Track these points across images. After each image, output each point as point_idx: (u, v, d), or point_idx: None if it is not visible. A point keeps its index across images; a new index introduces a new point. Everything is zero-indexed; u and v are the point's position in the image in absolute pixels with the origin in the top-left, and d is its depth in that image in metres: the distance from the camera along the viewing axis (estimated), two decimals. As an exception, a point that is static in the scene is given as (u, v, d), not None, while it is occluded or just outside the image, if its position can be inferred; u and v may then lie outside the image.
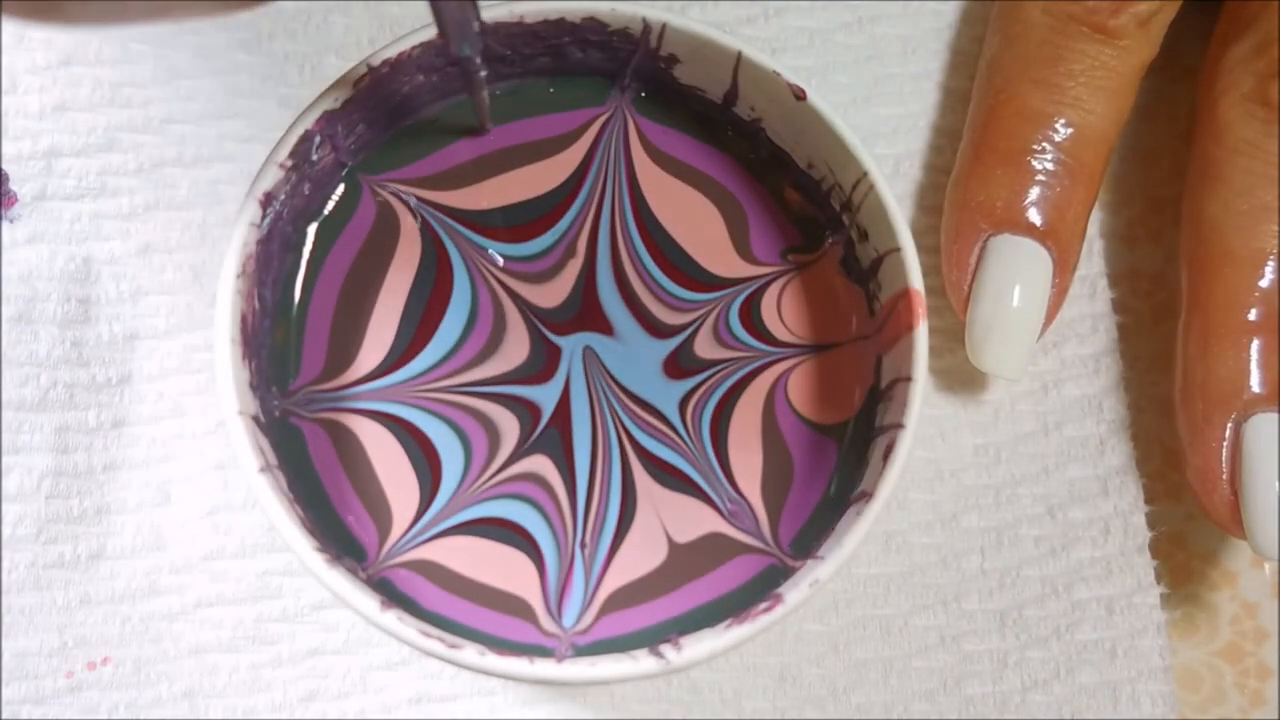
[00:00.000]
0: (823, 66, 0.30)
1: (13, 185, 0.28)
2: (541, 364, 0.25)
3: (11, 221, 0.28)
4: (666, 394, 0.25)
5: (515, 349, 0.25)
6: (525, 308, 0.25)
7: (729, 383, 0.25)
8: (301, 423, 0.24)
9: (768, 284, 0.26)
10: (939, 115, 0.30)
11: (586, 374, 0.25)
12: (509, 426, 0.25)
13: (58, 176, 0.28)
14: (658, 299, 0.26)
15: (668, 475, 0.25)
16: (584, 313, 0.25)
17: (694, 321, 0.25)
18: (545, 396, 0.25)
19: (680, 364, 0.25)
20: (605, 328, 0.25)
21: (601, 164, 0.26)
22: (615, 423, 0.25)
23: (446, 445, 0.25)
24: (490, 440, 0.25)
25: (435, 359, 0.25)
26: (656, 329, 0.25)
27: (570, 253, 0.26)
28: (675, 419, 0.25)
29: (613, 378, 0.25)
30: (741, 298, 0.26)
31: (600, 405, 0.25)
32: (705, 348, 0.25)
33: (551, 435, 0.25)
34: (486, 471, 0.24)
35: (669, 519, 0.24)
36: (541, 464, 0.25)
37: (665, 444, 0.25)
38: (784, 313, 0.26)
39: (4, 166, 0.28)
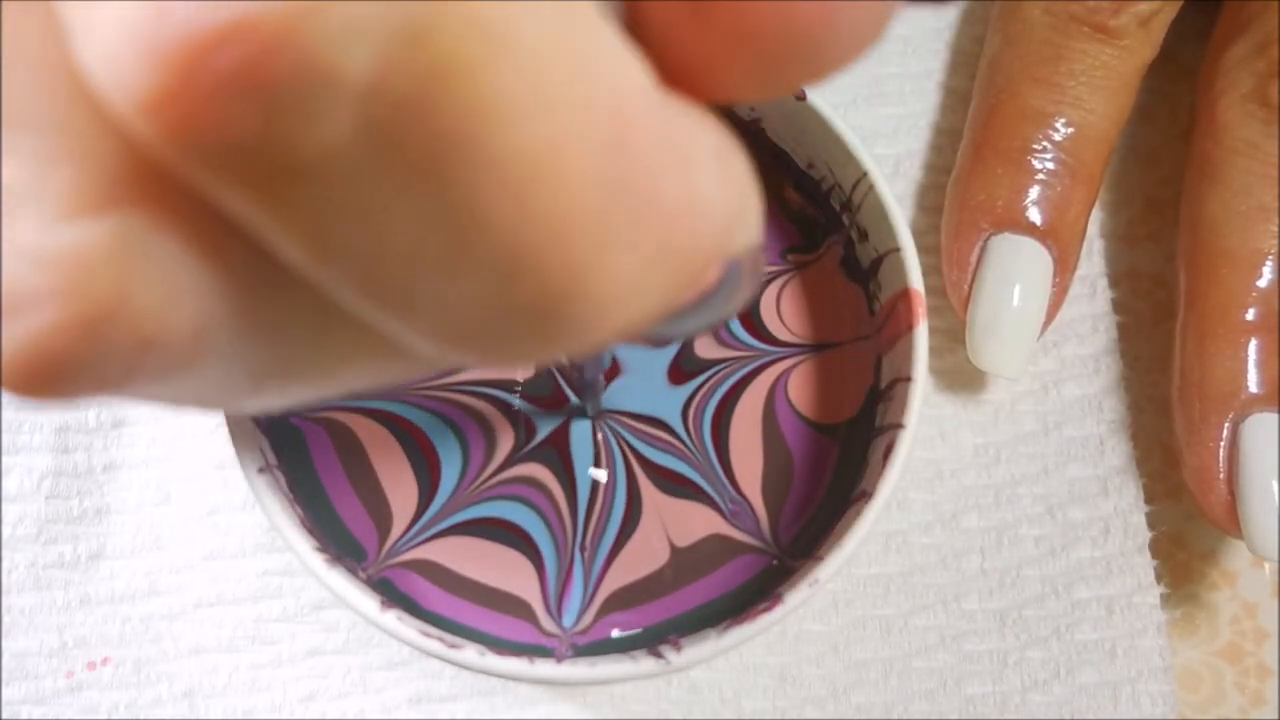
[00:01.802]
0: (823, 66, 0.30)
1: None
2: (548, 392, 0.25)
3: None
4: (670, 402, 0.25)
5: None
6: None
7: (729, 383, 0.25)
8: (301, 422, 0.24)
9: (767, 283, 0.26)
10: (939, 115, 0.30)
11: (593, 418, 0.25)
12: (504, 430, 0.25)
13: None
14: None
15: (671, 483, 0.25)
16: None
17: None
18: (543, 420, 0.25)
19: (683, 368, 0.25)
20: (613, 371, 0.25)
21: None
22: (619, 442, 0.25)
23: (444, 444, 0.25)
24: (486, 441, 0.25)
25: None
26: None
27: None
28: (678, 425, 0.25)
29: (619, 409, 0.25)
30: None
31: (605, 430, 0.25)
32: (706, 348, 0.25)
33: (548, 451, 0.25)
34: (484, 472, 0.24)
35: (671, 524, 0.24)
36: (540, 471, 0.25)
37: (669, 452, 0.25)
38: (784, 312, 0.26)
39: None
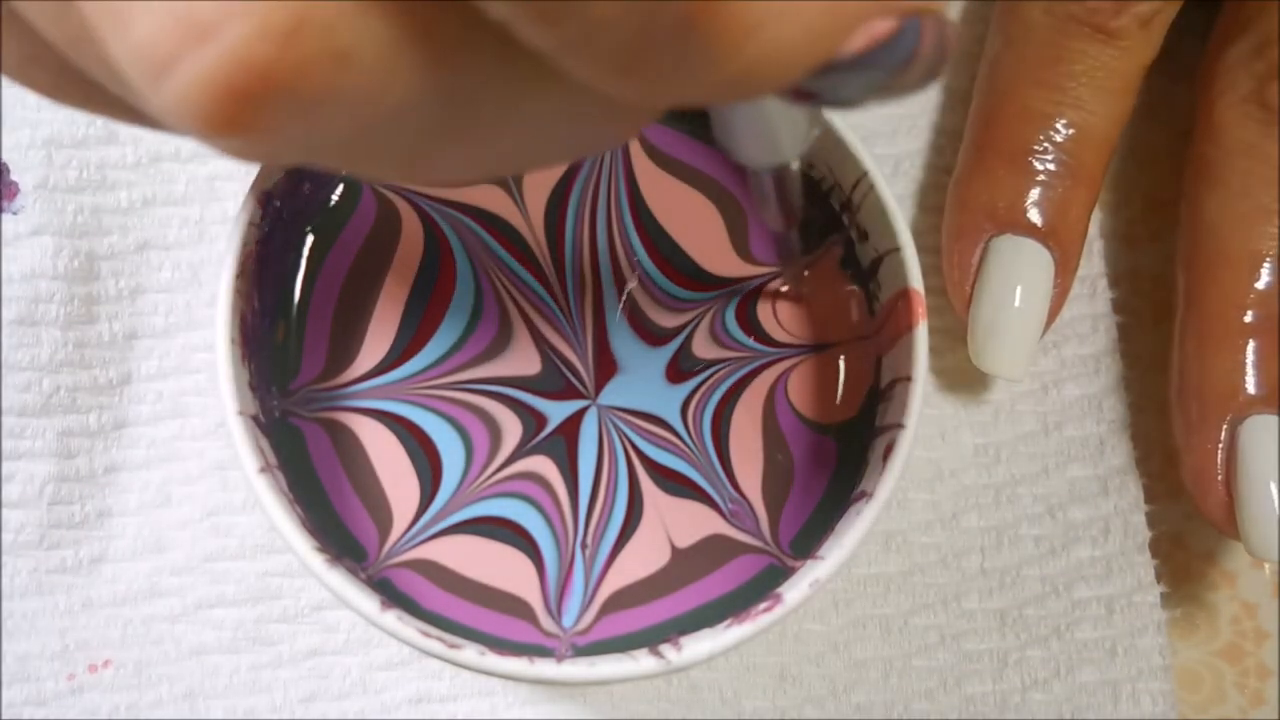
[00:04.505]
0: (823, 66, 0.30)
1: (14, 176, 0.27)
2: (560, 386, 0.25)
3: (15, 214, 0.27)
4: (669, 400, 0.25)
5: (525, 359, 0.25)
6: (541, 341, 0.25)
7: (728, 383, 0.25)
8: (302, 422, 0.24)
9: (766, 284, 0.26)
10: (940, 115, 0.30)
11: (599, 413, 0.25)
12: (511, 426, 0.25)
13: (59, 167, 0.28)
14: (654, 300, 0.25)
15: (672, 482, 0.25)
16: (597, 362, 0.25)
17: (691, 321, 0.25)
18: (555, 411, 0.25)
19: (681, 368, 0.25)
20: (610, 369, 0.25)
21: (598, 164, 0.26)
22: (621, 438, 0.25)
23: (447, 443, 0.25)
24: (492, 437, 0.25)
25: (438, 355, 0.25)
26: (655, 336, 0.25)
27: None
28: (678, 424, 0.25)
29: (620, 406, 0.25)
30: (738, 298, 0.26)
31: (608, 426, 0.25)
32: (703, 348, 0.25)
33: (557, 442, 0.25)
34: (488, 469, 0.24)
35: (672, 524, 0.24)
36: (544, 464, 0.25)
37: (670, 451, 0.25)
38: (783, 313, 0.26)
39: (4, 157, 0.28)
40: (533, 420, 0.25)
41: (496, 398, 0.25)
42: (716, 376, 0.25)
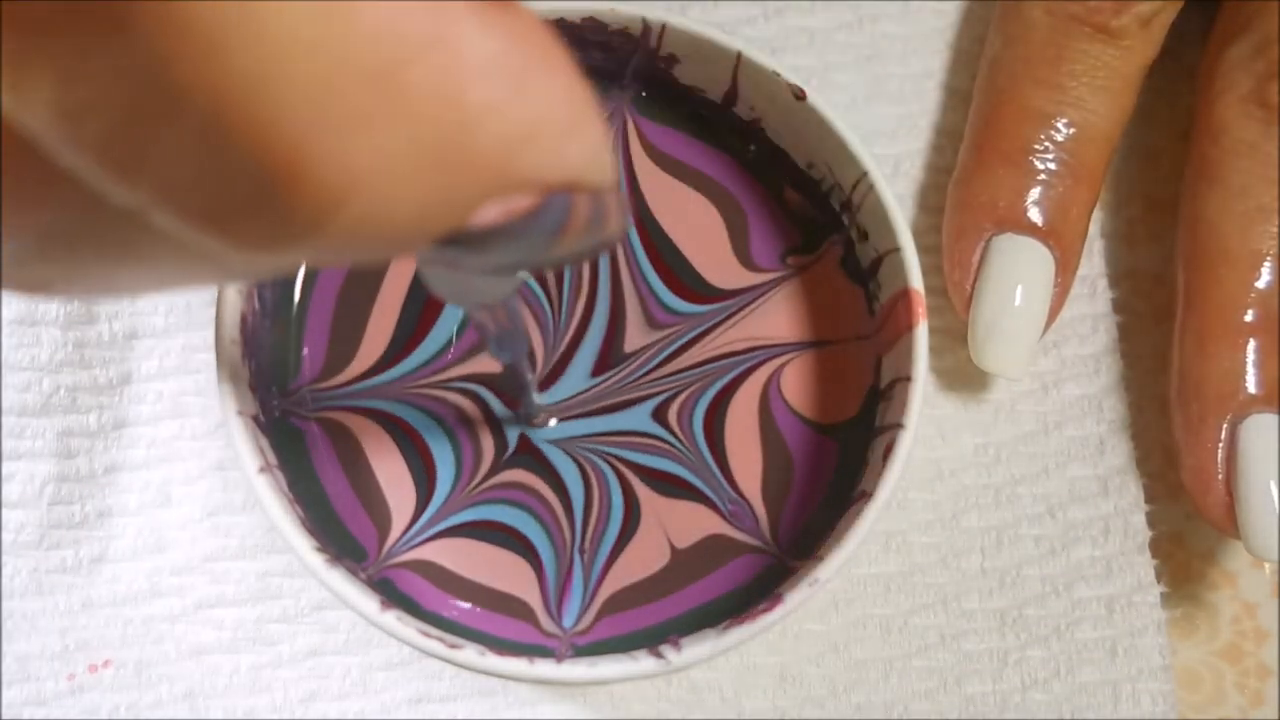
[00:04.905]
0: (823, 66, 0.30)
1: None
2: (511, 390, 0.25)
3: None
4: (635, 414, 0.25)
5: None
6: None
7: (722, 382, 0.25)
8: (301, 422, 0.24)
9: (765, 293, 0.26)
10: (940, 115, 0.30)
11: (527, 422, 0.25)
12: (486, 435, 0.25)
13: None
14: (646, 313, 0.25)
15: (667, 484, 0.25)
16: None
17: (673, 335, 0.25)
18: (511, 425, 0.25)
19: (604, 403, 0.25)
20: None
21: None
22: (592, 450, 0.25)
23: (439, 446, 0.25)
24: (474, 445, 0.25)
25: (431, 353, 0.25)
26: (608, 362, 0.25)
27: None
28: (657, 430, 0.25)
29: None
30: (737, 311, 0.25)
31: (561, 440, 0.25)
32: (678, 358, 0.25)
33: (526, 457, 0.25)
34: (477, 475, 0.24)
35: (671, 526, 0.24)
36: (525, 476, 0.25)
37: (658, 455, 0.25)
38: (782, 312, 0.26)
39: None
40: (500, 430, 0.25)
41: (474, 398, 0.25)
42: (704, 380, 0.25)
